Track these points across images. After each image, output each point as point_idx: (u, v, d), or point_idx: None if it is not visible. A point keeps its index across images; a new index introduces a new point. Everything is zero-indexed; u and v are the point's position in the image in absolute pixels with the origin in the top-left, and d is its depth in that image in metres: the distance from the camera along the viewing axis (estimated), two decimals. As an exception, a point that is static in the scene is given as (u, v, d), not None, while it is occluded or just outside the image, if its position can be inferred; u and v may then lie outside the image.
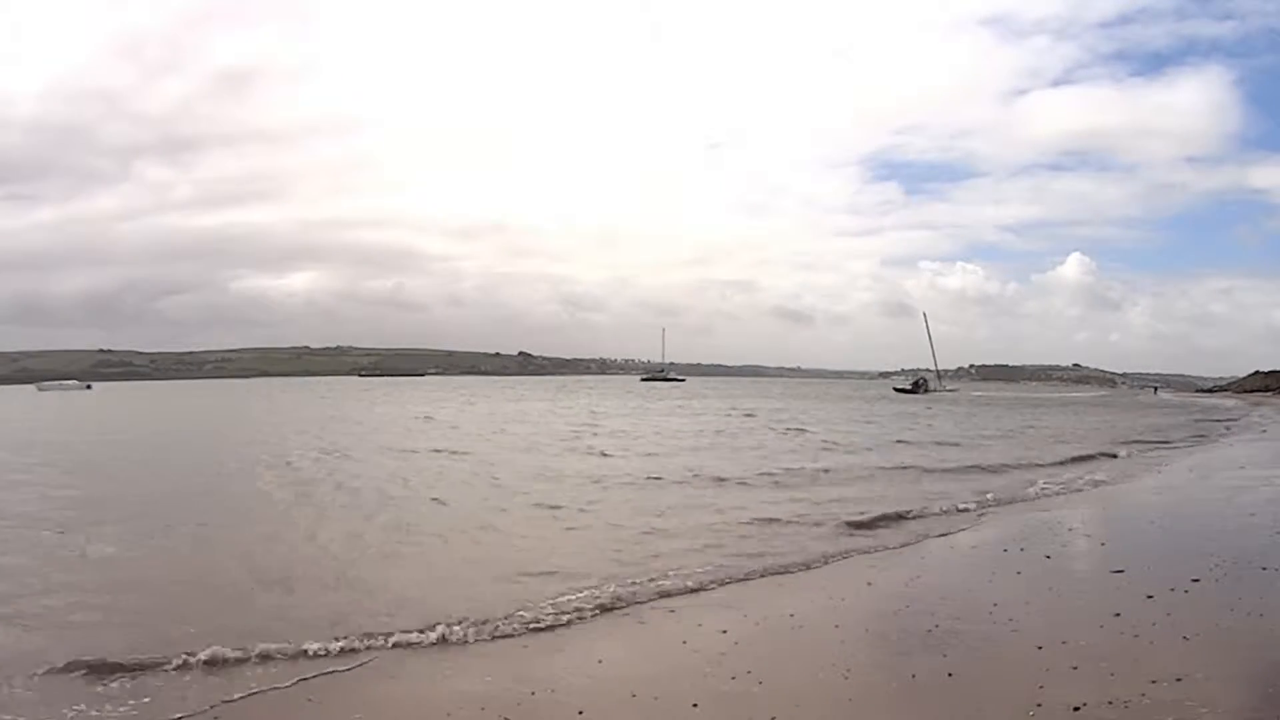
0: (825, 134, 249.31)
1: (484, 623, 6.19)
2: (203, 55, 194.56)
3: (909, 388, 72.54)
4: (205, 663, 5.33)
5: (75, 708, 4.75)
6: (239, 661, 5.39)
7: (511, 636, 6.05)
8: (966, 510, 11.34)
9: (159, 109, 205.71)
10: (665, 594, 7.09)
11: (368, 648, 5.70)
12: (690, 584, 7.36)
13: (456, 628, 6.06)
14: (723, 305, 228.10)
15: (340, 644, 5.69)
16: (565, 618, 6.42)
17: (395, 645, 5.76)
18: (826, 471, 15.74)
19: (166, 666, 5.26)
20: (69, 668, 5.24)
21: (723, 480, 14.34)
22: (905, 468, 16.38)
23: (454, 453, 19.03)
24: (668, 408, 44.09)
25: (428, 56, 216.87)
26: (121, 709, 4.76)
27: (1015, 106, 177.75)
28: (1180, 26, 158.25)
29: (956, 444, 22.26)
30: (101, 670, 5.20)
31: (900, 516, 10.73)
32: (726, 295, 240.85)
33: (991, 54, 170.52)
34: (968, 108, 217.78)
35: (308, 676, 5.21)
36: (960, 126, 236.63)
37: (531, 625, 6.24)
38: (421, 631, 5.97)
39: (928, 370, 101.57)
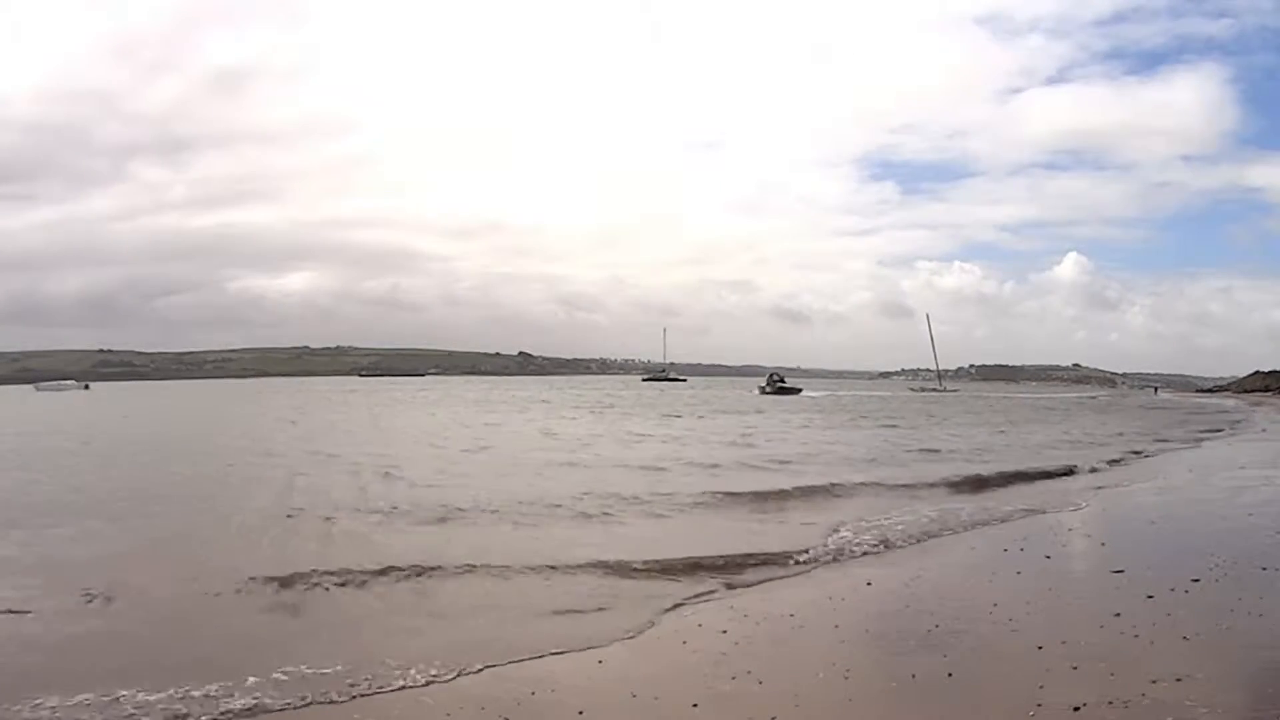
0: (821, 133, 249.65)
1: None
2: (197, 55, 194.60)
3: (787, 388, 69.27)
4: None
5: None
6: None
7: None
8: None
9: (154, 109, 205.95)
10: (663, 594, 7.08)
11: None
12: (689, 583, 7.35)
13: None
14: (720, 305, 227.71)
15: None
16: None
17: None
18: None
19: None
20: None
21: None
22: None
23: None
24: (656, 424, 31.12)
25: (424, 56, 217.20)
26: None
27: (1010, 105, 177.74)
28: (1175, 25, 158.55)
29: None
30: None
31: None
32: (723, 295, 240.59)
33: (986, 53, 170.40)
34: (963, 107, 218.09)
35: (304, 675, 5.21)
36: (955, 126, 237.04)
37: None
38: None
39: (928, 370, 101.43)
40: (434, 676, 5.14)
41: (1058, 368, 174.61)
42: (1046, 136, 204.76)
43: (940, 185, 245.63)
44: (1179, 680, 4.74)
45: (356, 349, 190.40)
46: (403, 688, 5.00)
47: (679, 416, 36.20)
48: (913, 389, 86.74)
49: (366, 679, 5.06)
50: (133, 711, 4.63)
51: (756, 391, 69.36)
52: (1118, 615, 6.05)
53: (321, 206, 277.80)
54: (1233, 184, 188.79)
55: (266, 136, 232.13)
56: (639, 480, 14.17)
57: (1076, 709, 4.42)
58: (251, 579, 7.26)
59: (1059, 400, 64.08)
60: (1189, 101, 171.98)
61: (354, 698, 4.86)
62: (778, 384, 70.68)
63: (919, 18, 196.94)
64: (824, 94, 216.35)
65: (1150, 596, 6.55)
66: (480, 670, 5.27)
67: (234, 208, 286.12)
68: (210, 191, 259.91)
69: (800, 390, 68.96)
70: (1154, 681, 4.74)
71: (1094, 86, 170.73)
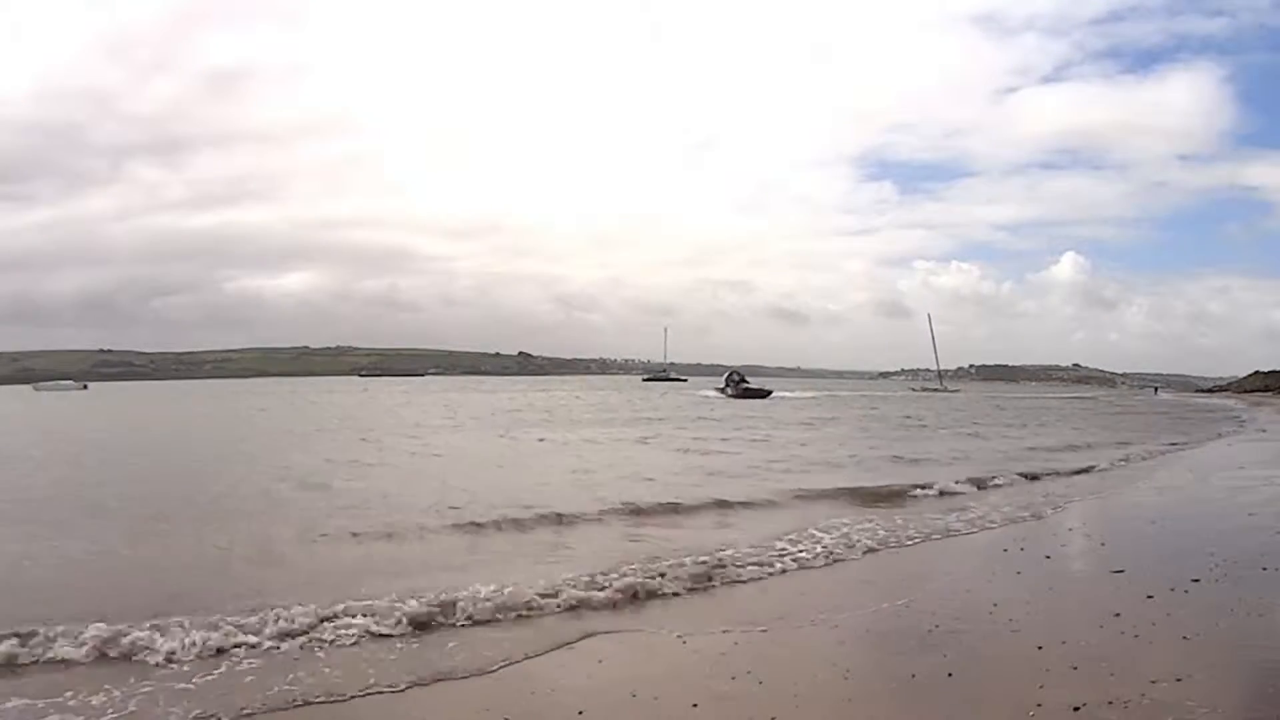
0: (819, 133, 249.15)
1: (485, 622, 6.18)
2: (193, 55, 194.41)
3: (754, 389, 55.68)
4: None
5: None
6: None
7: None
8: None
9: (150, 109, 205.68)
10: (664, 592, 7.07)
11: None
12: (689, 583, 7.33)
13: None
14: (718, 305, 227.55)
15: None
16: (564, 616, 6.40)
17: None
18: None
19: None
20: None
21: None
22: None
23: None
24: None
25: (422, 56, 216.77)
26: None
27: (1005, 104, 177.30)
28: (1171, 23, 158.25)
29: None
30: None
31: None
32: (720, 295, 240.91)
33: (981, 52, 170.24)
34: (959, 106, 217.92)
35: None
36: (952, 125, 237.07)
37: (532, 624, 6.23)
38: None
39: (929, 370, 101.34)
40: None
41: (1058, 368, 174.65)
42: (1043, 136, 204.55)
43: (937, 185, 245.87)
44: (1179, 680, 4.74)
45: (356, 349, 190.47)
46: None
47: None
48: (914, 389, 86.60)
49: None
50: None
51: (713, 393, 56.80)
52: (1118, 615, 6.05)
53: (319, 206, 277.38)
54: (1230, 183, 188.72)
55: (264, 136, 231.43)
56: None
57: (1076, 709, 4.41)
58: None
59: (1066, 401, 63.57)
60: (1185, 100, 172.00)
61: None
62: (740, 384, 56.19)
63: (914, 17, 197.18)
64: (821, 94, 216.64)
65: (1150, 596, 6.55)
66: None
67: (231, 208, 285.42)
68: (208, 191, 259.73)
69: (770, 392, 54.91)
70: (1154, 681, 4.74)
71: (1090, 85, 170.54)
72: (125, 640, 5.44)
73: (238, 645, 5.51)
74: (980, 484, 13.62)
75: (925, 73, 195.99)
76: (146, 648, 5.39)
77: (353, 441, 22.10)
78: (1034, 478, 14.67)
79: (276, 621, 5.77)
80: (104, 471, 15.85)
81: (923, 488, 13.00)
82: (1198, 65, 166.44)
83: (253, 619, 5.80)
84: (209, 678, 5.07)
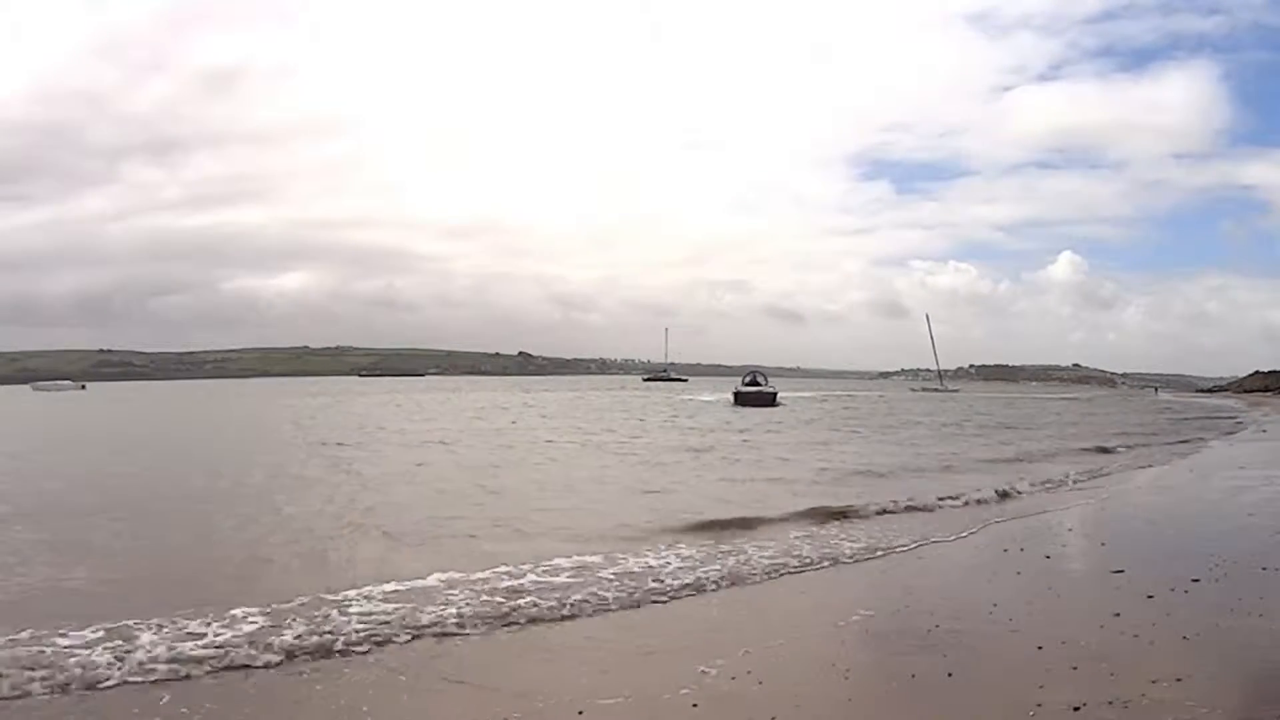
0: (815, 133, 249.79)
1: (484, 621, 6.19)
2: (189, 55, 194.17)
3: (751, 394, 47.01)
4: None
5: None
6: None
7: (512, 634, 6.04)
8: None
9: (145, 110, 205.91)
10: (664, 593, 7.08)
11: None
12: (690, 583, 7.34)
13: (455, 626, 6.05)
14: (717, 305, 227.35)
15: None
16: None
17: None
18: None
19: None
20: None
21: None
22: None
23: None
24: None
25: (419, 55, 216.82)
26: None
27: (1001, 103, 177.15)
28: (1166, 22, 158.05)
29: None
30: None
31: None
32: (718, 295, 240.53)
33: (976, 51, 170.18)
34: (954, 106, 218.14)
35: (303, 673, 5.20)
36: (947, 124, 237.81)
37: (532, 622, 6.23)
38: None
39: (929, 370, 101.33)
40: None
41: (1058, 368, 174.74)
42: (1039, 134, 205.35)
43: (934, 184, 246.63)
44: (1179, 680, 4.74)
45: (356, 349, 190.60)
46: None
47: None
48: (914, 389, 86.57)
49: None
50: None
51: (729, 396, 49.15)
52: (1118, 615, 6.05)
53: (316, 206, 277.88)
54: (1226, 182, 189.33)
55: (260, 136, 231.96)
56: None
57: (1076, 709, 4.41)
58: None
59: (1069, 401, 63.30)
60: (1181, 99, 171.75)
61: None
62: (739, 388, 49.22)
63: (909, 16, 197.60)
64: (817, 93, 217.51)
65: (1150, 596, 6.55)
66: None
67: (228, 208, 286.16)
68: (204, 192, 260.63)
69: (775, 395, 47.38)
70: (1154, 681, 4.73)
71: (1085, 84, 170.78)
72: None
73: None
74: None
75: (921, 72, 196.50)
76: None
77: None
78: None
79: None
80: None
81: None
82: (1193, 63, 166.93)
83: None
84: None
